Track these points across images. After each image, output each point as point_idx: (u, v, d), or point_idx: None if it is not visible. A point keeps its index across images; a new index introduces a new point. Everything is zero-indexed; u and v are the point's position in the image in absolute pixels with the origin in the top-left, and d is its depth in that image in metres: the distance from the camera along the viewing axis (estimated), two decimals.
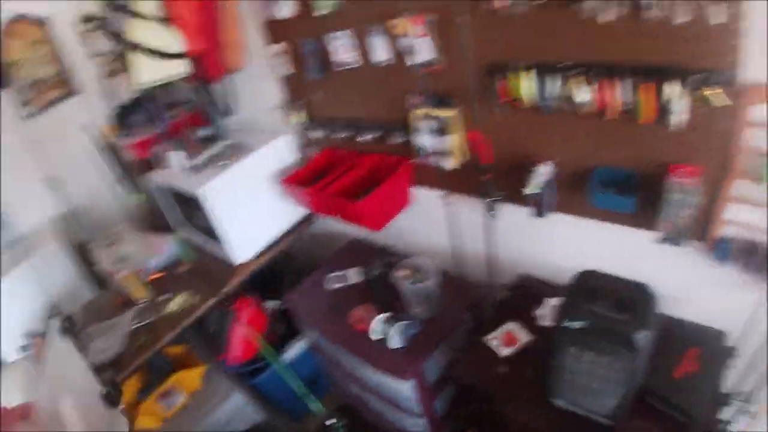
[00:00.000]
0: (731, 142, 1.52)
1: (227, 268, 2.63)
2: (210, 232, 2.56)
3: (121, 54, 2.36)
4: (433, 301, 2.15)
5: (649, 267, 1.83)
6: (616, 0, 1.45)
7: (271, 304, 2.77)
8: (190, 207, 2.58)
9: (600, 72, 1.58)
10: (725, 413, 1.64)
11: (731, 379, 1.69)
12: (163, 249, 2.89)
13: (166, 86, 2.60)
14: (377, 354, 2.09)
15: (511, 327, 1.90)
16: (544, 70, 1.66)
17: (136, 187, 3.26)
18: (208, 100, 2.74)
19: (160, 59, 2.26)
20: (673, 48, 1.46)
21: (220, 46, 2.44)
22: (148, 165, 2.91)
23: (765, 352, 1.61)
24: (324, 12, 2.05)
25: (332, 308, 2.36)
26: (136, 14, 2.20)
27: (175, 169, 2.64)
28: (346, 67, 2.14)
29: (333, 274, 2.50)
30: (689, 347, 1.67)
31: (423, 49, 1.83)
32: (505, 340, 1.87)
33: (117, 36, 2.28)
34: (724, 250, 1.69)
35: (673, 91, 1.50)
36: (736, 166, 1.56)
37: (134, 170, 3.14)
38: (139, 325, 2.44)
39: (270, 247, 2.70)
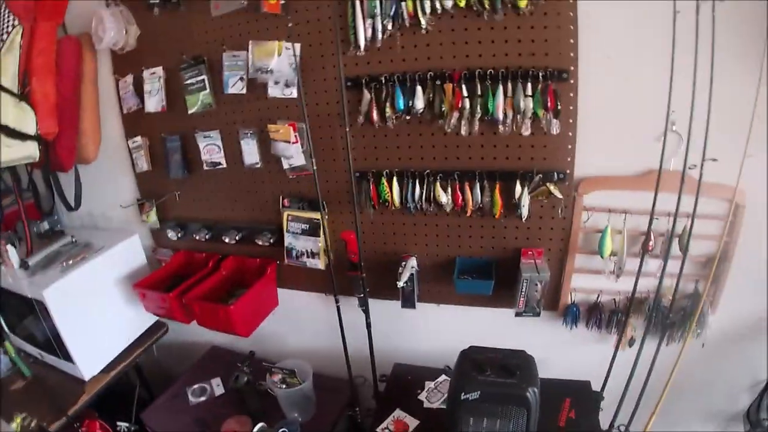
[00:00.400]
0: (570, 225, 1.81)
1: (72, 383, 2.20)
2: (50, 342, 2.14)
3: None
4: (310, 403, 2.05)
5: (513, 338, 1.97)
6: (476, 118, 1.68)
7: (122, 426, 2.38)
8: (24, 313, 2.17)
9: (460, 176, 1.77)
10: None
11: (608, 417, 1.87)
12: None
13: (6, 169, 2.24)
14: None
15: (399, 415, 1.90)
16: (409, 175, 1.81)
17: None
18: (54, 190, 2.38)
19: (12, 138, 1.89)
20: (521, 154, 1.73)
21: (76, 132, 2.18)
22: None
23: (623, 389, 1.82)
24: (195, 110, 1.99)
25: (199, 423, 2.11)
26: None
27: (10, 267, 2.19)
28: (214, 168, 2.08)
29: (196, 386, 2.26)
30: (564, 398, 1.88)
31: (295, 155, 1.87)
32: (396, 427, 1.86)
33: None
34: (573, 314, 1.96)
35: (521, 189, 1.74)
36: (575, 244, 1.84)
37: None
38: None
39: (119, 359, 2.31)
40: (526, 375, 1.48)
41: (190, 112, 1.99)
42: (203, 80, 1.96)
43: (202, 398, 2.22)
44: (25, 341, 2.34)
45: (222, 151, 2.03)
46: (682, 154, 1.63)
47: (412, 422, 1.86)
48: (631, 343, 1.96)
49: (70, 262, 2.16)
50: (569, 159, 1.72)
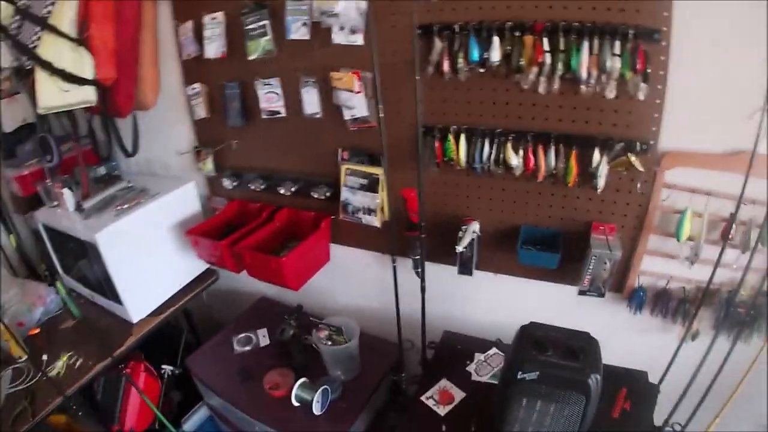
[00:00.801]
0: (648, 203, 1.64)
1: (120, 325, 2.19)
2: (101, 285, 2.15)
3: (21, 71, 1.92)
4: (355, 362, 1.97)
5: (571, 317, 1.86)
6: (557, 75, 1.51)
7: (166, 369, 2.37)
8: (77, 254, 2.16)
9: (534, 138, 1.61)
10: None
11: (661, 413, 1.72)
12: (45, 301, 2.34)
13: (65, 114, 2.21)
14: (299, 422, 1.85)
15: (445, 384, 1.80)
16: (479, 133, 1.66)
17: (10, 227, 2.68)
18: (111, 136, 2.35)
19: (69, 83, 1.85)
20: (602, 119, 1.56)
21: (134, 79, 2.11)
22: (33, 202, 2.38)
23: (686, 386, 1.65)
24: (256, 57, 1.88)
25: (242, 374, 2.06)
26: (50, 28, 1.80)
27: (65, 209, 2.19)
28: (273, 117, 1.98)
29: (241, 335, 2.22)
30: (621, 387, 1.72)
31: (358, 105, 1.74)
32: (442, 398, 1.76)
33: (24, 49, 1.83)
34: (639, 299, 1.79)
35: (599, 157, 1.57)
36: (651, 223, 1.67)
37: (15, 206, 2.57)
38: (16, 389, 1.94)
39: (168, 304, 2.30)
40: (590, 360, 1.34)
41: (250, 58, 1.89)
42: (265, 25, 1.84)
43: (247, 348, 2.18)
44: (79, 282, 2.36)
45: (282, 99, 1.93)
46: None
47: (459, 394, 1.75)
48: (694, 336, 1.79)
49: (125, 206, 2.13)
50: (654, 129, 1.53)
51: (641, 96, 1.48)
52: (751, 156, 1.44)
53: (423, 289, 1.76)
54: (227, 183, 2.17)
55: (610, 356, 1.88)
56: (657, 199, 1.65)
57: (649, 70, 1.44)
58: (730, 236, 1.62)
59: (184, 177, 2.35)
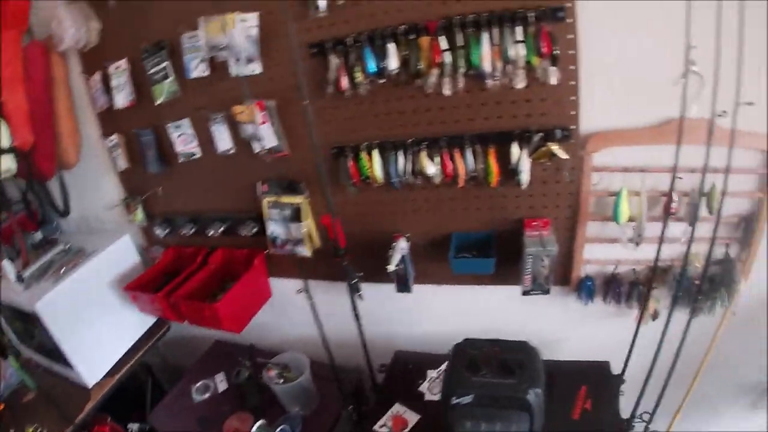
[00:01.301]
0: (579, 189, 1.51)
1: (78, 391, 2.05)
2: (53, 352, 2.00)
3: None
4: (310, 396, 1.85)
5: (522, 317, 1.77)
6: (459, 73, 1.39)
7: (134, 427, 2.24)
8: (27, 325, 2.02)
9: (448, 143, 1.49)
10: None
11: (629, 402, 1.59)
12: (6, 375, 2.22)
13: None
14: None
15: (398, 410, 1.66)
16: (391, 146, 1.53)
17: None
18: (41, 200, 2.21)
19: None
20: (516, 111, 1.44)
21: (53, 139, 1.99)
22: None
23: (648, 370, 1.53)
24: (162, 100, 1.76)
25: (202, 423, 1.93)
26: None
27: (8, 281, 2.03)
28: (189, 158, 1.84)
29: (199, 383, 2.08)
30: (579, 385, 1.59)
31: (266, 136, 1.62)
32: (395, 425, 1.62)
33: None
34: (588, 289, 1.68)
35: (518, 151, 1.45)
36: (586, 210, 1.55)
37: None
38: None
39: (123, 362, 2.15)
40: (527, 373, 1.21)
41: (157, 102, 1.76)
42: (165, 67, 1.72)
43: (206, 395, 2.04)
44: (36, 352, 2.20)
45: (195, 139, 1.80)
46: (705, 99, 1.27)
47: (413, 417, 1.62)
48: (654, 316, 1.66)
49: (62, 270, 1.99)
50: (573, 113, 1.41)
51: (553, 81, 1.36)
52: (680, 123, 1.32)
53: (357, 317, 1.63)
54: (159, 231, 2.03)
55: (568, 351, 1.77)
56: (588, 185, 1.52)
57: (556, 52, 1.32)
58: (672, 210, 1.51)
59: (119, 230, 2.20)
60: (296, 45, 1.43)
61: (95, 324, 2.03)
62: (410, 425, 1.60)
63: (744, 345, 1.74)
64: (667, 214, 1.47)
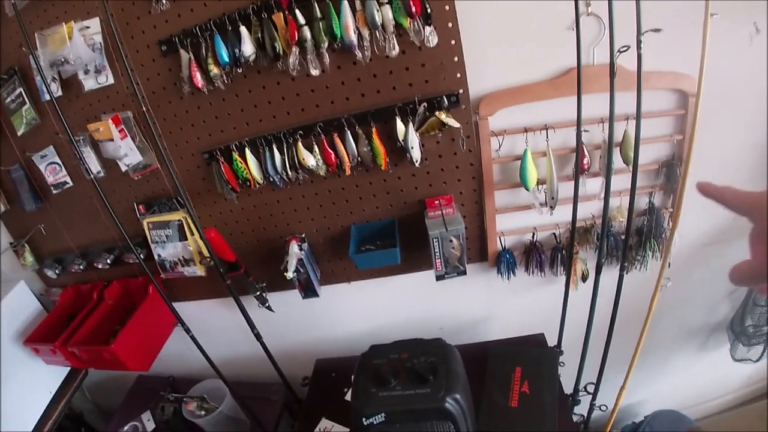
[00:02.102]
0: (480, 158, 1.32)
1: None
2: None
3: None
4: (238, 422, 1.62)
5: (445, 301, 1.59)
6: (323, 49, 1.17)
7: None
8: None
9: (324, 128, 1.27)
10: (578, 410, 1.46)
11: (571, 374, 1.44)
12: None
13: None
14: None
15: (325, 425, 1.46)
16: (263, 142, 1.30)
17: None
18: None
19: None
20: (395, 83, 1.23)
21: None
22: None
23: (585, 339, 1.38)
24: (24, 130, 1.49)
25: None
26: None
27: None
28: (63, 189, 1.57)
29: (127, 427, 1.82)
30: (514, 368, 1.41)
31: (128, 152, 1.37)
32: None
33: None
34: (507, 261, 1.49)
35: (404, 127, 1.24)
36: (491, 179, 1.35)
37: None
38: None
39: (45, 418, 1.83)
40: (443, 377, 1.01)
41: (19, 133, 1.49)
42: (21, 94, 1.45)
43: None
44: None
45: (63, 168, 1.53)
46: (605, 42, 1.12)
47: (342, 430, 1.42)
48: (584, 278, 1.49)
49: None
50: (459, 75, 1.21)
51: (431, 42, 1.15)
52: (577, 69, 1.12)
53: (258, 336, 1.41)
54: (50, 273, 1.74)
55: (502, 328, 1.59)
56: (489, 152, 1.33)
57: (429, 9, 1.11)
58: (584, 165, 1.32)
59: (13, 278, 1.88)
60: (143, 45, 1.20)
61: (7, 384, 1.75)
62: None
63: (683, 291, 1.60)
64: (579, 171, 1.29)
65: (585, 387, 1.43)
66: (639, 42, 1.03)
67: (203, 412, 1.55)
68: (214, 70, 1.22)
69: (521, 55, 1.22)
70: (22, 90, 1.46)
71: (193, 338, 1.34)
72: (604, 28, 1.18)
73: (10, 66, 1.45)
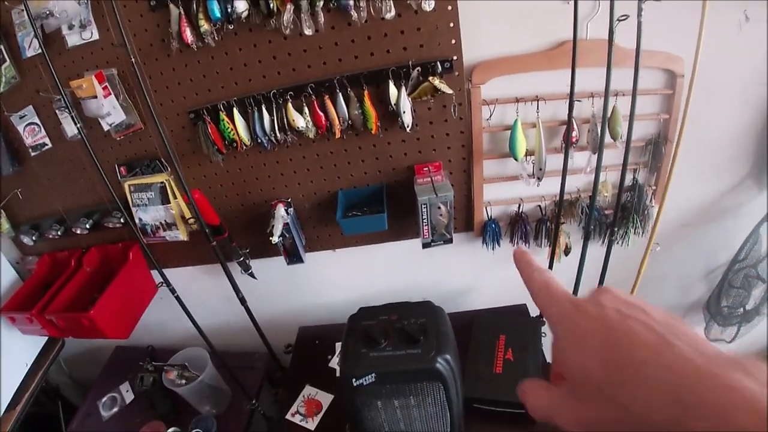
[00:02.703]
0: (470, 126, 1.29)
1: None
2: None
3: None
4: (220, 392, 1.56)
5: (427, 273, 1.57)
6: (318, 8, 1.11)
7: None
8: None
9: (315, 90, 1.21)
10: None
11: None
12: None
13: None
14: None
15: (309, 392, 1.41)
16: (252, 102, 1.24)
17: None
18: None
19: None
20: (389, 46, 1.18)
21: None
22: None
23: None
24: (2, 89, 1.39)
25: None
26: None
27: None
28: (42, 151, 1.47)
29: (105, 398, 1.73)
30: (498, 336, 1.38)
31: (112, 110, 1.29)
32: (309, 409, 1.38)
33: None
34: (493, 231, 1.47)
35: (396, 91, 1.19)
36: (480, 148, 1.32)
37: None
38: None
39: (21, 392, 1.72)
40: (432, 339, 0.97)
41: None
42: (0, 50, 1.35)
43: (114, 410, 1.70)
44: None
45: (43, 129, 1.44)
46: (599, 17, 1.13)
47: (326, 398, 1.37)
48: (567, 251, 1.47)
49: None
50: (453, 41, 1.17)
51: (427, 6, 1.11)
52: (573, 43, 1.10)
53: (242, 300, 1.35)
54: (26, 239, 1.62)
55: (484, 298, 1.57)
56: (479, 120, 1.29)
57: None
58: (573, 138, 1.30)
59: None
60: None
61: None
62: (325, 407, 1.36)
63: (660, 270, 1.59)
64: (568, 144, 1.26)
65: None
66: (639, 9, 1.01)
67: (184, 381, 1.48)
68: (205, 26, 1.15)
69: (516, 26, 1.20)
70: (2, 47, 1.37)
71: (178, 299, 1.27)
72: (599, 4, 1.16)
73: None
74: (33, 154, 1.49)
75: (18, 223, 1.69)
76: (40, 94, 1.37)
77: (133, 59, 1.07)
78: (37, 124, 1.45)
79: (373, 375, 0.95)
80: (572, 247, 1.49)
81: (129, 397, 1.72)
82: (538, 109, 1.28)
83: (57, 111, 1.38)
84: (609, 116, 1.27)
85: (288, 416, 1.35)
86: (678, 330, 0.28)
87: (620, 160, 1.21)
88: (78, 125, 1.14)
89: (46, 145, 1.47)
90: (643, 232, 1.46)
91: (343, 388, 0.98)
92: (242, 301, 1.33)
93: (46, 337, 1.82)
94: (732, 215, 1.52)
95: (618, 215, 1.44)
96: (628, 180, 1.42)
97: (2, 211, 1.65)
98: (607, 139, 1.29)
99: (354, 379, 0.95)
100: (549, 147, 1.34)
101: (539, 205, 1.43)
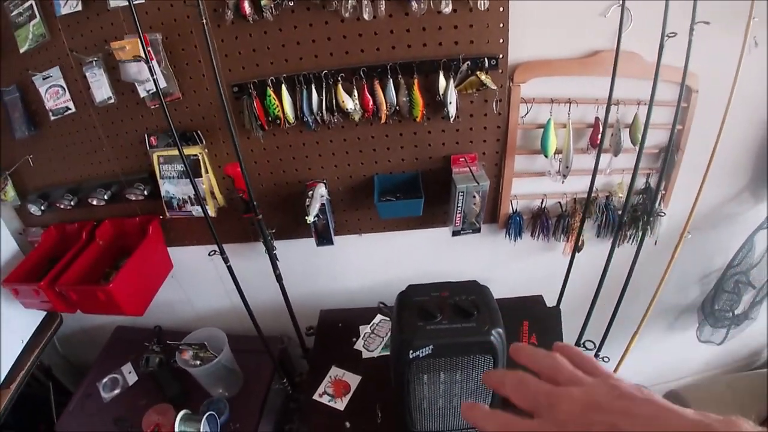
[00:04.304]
0: (507, 122, 1.31)
1: None
2: None
3: None
4: (233, 375, 1.51)
5: (450, 259, 1.58)
6: None
7: None
8: None
9: (367, 73, 1.20)
10: None
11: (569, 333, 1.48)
12: None
13: None
14: None
15: (336, 373, 1.39)
16: (303, 80, 1.21)
17: None
18: None
19: None
20: (442, 38, 1.18)
21: None
22: None
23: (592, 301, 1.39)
24: (28, 47, 1.30)
25: (119, 424, 1.51)
26: None
27: None
28: (63, 115, 1.38)
29: (106, 379, 1.64)
30: (522, 321, 1.41)
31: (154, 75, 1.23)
32: (336, 390, 1.35)
33: None
34: (517, 224, 1.49)
35: (445, 82, 1.20)
36: (514, 143, 1.35)
37: None
38: None
39: (15, 370, 1.61)
40: (485, 314, 0.98)
41: (22, 50, 1.30)
42: (31, 6, 1.26)
43: (116, 391, 1.61)
44: None
45: (67, 92, 1.35)
46: (632, 32, 1.17)
47: (353, 379, 1.35)
48: (580, 248, 1.51)
49: None
50: (502, 41, 1.19)
51: (482, 5, 1.12)
52: (615, 54, 1.14)
53: (279, 277, 1.30)
54: (34, 209, 1.52)
55: (502, 288, 1.57)
56: (516, 117, 1.32)
57: None
58: (596, 139, 1.34)
59: None
60: None
61: None
62: (353, 388, 1.34)
63: (660, 271, 1.65)
64: (596, 146, 1.30)
65: (584, 343, 1.44)
66: (691, 29, 1.06)
67: (198, 362, 1.41)
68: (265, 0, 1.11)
69: (557, 32, 1.24)
70: (33, 2, 1.27)
71: (230, 269, 1.24)
72: (631, 19, 1.20)
73: None
74: (53, 118, 1.40)
75: (25, 192, 1.57)
76: (74, 53, 1.29)
77: (204, 21, 1.01)
78: (61, 87, 1.36)
79: (431, 347, 0.95)
80: (584, 244, 1.53)
81: (132, 378, 1.63)
82: (569, 110, 1.31)
83: (87, 73, 1.30)
84: (630, 123, 1.33)
85: (316, 396, 1.31)
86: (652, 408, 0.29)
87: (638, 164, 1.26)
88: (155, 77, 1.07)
89: (69, 109, 1.38)
90: (650, 234, 1.51)
91: (396, 360, 0.97)
92: (278, 278, 1.29)
93: (44, 314, 1.71)
94: (730, 223, 1.60)
95: (629, 216, 1.50)
96: (641, 184, 1.48)
97: (9, 178, 1.54)
98: (628, 143, 1.35)
99: (411, 351, 0.95)
100: (575, 147, 1.37)
101: (560, 202, 1.46)
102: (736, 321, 1.67)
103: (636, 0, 1.12)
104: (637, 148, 1.29)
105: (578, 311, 1.40)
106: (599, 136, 1.31)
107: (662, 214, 1.50)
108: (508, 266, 1.62)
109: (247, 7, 1.13)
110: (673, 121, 1.19)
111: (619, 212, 1.50)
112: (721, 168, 1.51)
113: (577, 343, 1.42)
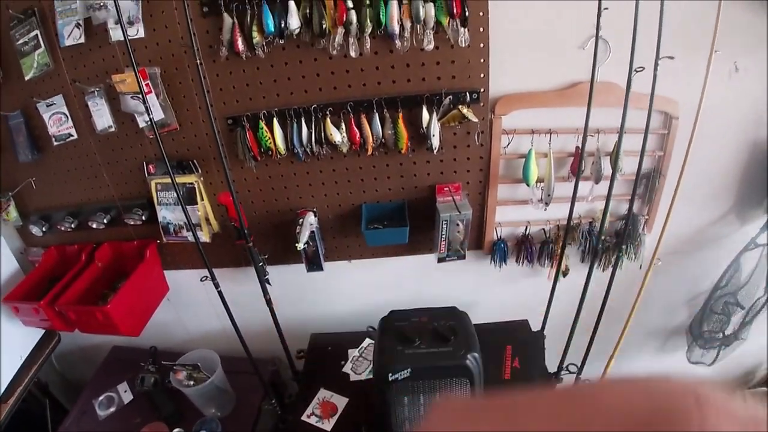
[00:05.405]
0: (490, 153, 1.38)
1: None
2: None
3: None
4: (227, 395, 1.57)
5: (437, 284, 1.65)
6: (366, 34, 1.19)
7: None
8: None
9: (354, 108, 1.28)
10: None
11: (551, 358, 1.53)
12: None
13: None
14: None
15: (324, 395, 1.44)
16: (293, 114, 1.29)
17: None
18: None
19: None
20: (425, 74, 1.27)
21: None
22: None
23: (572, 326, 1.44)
24: (33, 75, 1.38)
25: None
26: None
27: None
28: (65, 141, 1.46)
29: (102, 397, 1.70)
30: (505, 346, 1.47)
31: (151, 107, 1.31)
32: (324, 411, 1.41)
33: None
34: (501, 251, 1.57)
35: (428, 115, 1.28)
36: (497, 173, 1.42)
37: None
38: None
39: (13, 386, 1.68)
40: (462, 338, 1.05)
41: (27, 78, 1.38)
42: (36, 36, 1.35)
43: (111, 409, 1.68)
44: None
45: (70, 119, 1.43)
46: (611, 63, 1.24)
47: (341, 401, 1.41)
48: (565, 273, 1.57)
49: None
50: (482, 75, 1.27)
51: (463, 42, 1.20)
52: (590, 85, 1.20)
53: (269, 302, 1.37)
54: (35, 229, 1.60)
55: (488, 313, 1.64)
56: (498, 147, 1.39)
57: (467, 13, 1.16)
58: (574, 169, 1.41)
59: None
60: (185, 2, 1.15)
61: None
62: (340, 409, 1.39)
63: (648, 293, 1.70)
64: (579, 174, 1.37)
65: (567, 366, 1.49)
66: (656, 64, 1.12)
67: (192, 382, 1.47)
68: (257, 37, 1.20)
69: (537, 66, 1.31)
70: (38, 32, 1.36)
71: (221, 294, 1.29)
72: (609, 51, 1.28)
73: (28, 6, 1.34)
74: (56, 143, 1.48)
75: (27, 213, 1.65)
76: (77, 84, 1.37)
77: (198, 60, 1.09)
78: (64, 114, 1.45)
79: (409, 370, 1.02)
80: (569, 269, 1.59)
81: (127, 397, 1.69)
82: (550, 140, 1.38)
83: (89, 103, 1.38)
84: (611, 151, 1.39)
85: (304, 417, 1.37)
86: None
87: (621, 191, 1.33)
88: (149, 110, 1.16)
89: (71, 136, 1.46)
90: (636, 257, 1.57)
91: (377, 382, 1.04)
92: (268, 303, 1.35)
93: (43, 332, 1.77)
94: (716, 245, 1.66)
95: (612, 241, 1.56)
96: (624, 209, 1.54)
97: (12, 199, 1.61)
98: (609, 171, 1.41)
99: (390, 374, 1.01)
100: (557, 176, 1.44)
101: (543, 228, 1.53)
102: (726, 342, 1.71)
103: (614, 32, 1.18)
104: (610, 176, 1.36)
105: (564, 335, 1.45)
106: (579, 165, 1.38)
107: (644, 233, 1.56)
108: (494, 291, 1.68)
109: (240, 45, 1.21)
110: (642, 147, 1.21)
111: (603, 238, 1.57)
112: (706, 191, 1.58)
113: (560, 367, 1.48)
